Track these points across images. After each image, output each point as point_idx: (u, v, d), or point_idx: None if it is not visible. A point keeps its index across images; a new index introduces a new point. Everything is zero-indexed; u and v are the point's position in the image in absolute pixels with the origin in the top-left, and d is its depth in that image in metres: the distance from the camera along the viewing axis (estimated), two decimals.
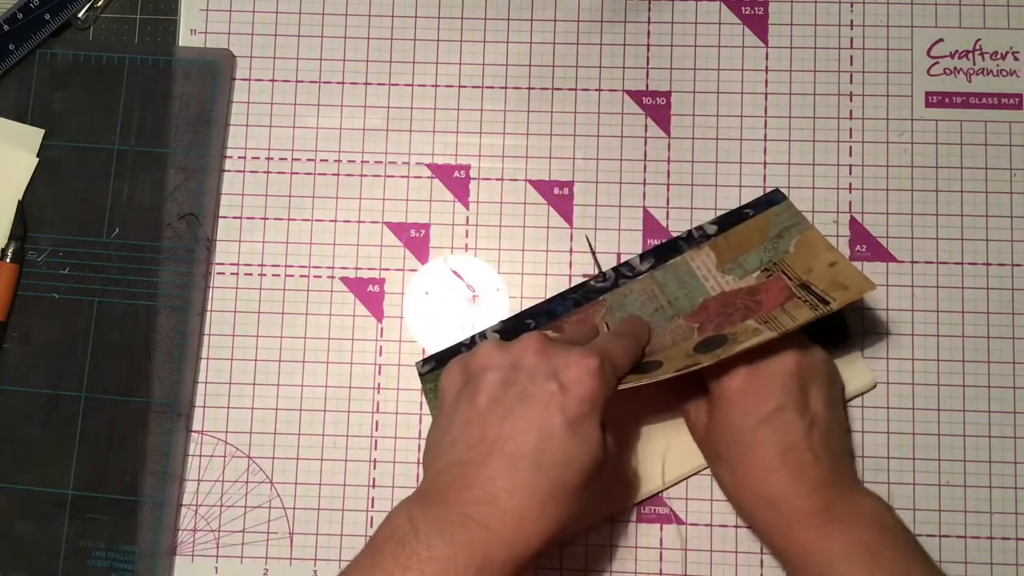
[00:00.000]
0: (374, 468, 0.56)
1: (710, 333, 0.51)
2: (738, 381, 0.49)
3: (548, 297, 0.56)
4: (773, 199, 0.56)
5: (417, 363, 0.56)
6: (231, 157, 0.59)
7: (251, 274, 0.58)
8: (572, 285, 0.56)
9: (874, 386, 0.55)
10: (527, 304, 0.57)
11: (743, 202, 0.57)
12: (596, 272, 0.57)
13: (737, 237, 0.55)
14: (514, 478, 0.43)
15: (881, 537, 0.47)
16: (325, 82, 0.59)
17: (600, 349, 0.47)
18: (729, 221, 0.56)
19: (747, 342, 0.48)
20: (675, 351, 0.51)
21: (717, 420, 0.50)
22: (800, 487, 0.48)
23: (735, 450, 0.49)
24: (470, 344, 0.55)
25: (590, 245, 0.57)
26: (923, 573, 0.47)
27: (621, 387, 0.48)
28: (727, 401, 0.50)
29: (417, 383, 0.56)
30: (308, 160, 0.59)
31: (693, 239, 0.56)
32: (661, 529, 0.55)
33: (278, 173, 0.59)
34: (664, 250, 0.56)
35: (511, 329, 0.56)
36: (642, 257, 0.56)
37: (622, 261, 0.57)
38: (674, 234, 0.57)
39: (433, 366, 0.56)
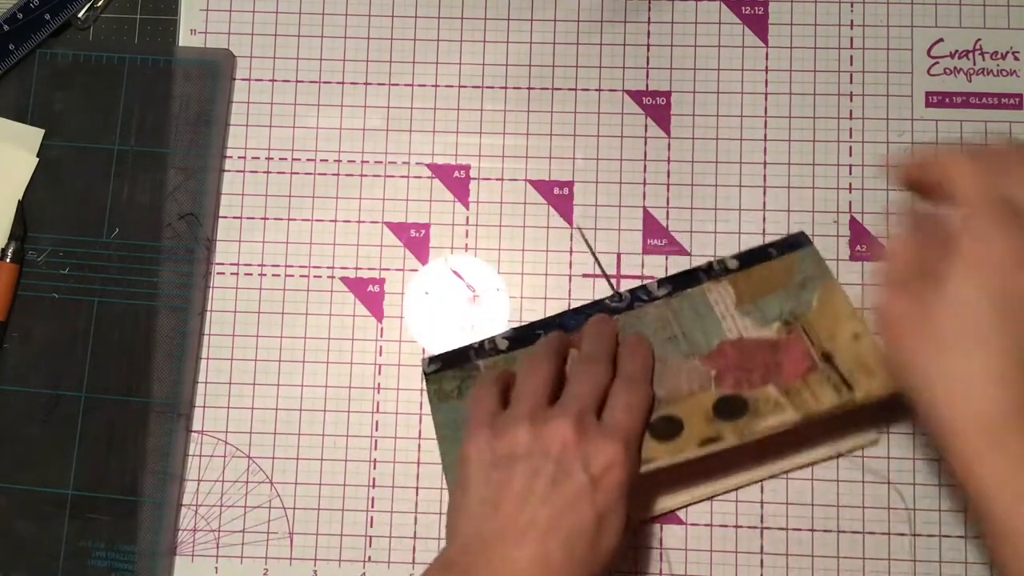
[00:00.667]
0: (374, 468, 0.56)
1: (728, 390, 0.51)
2: (998, 246, 0.40)
3: (561, 311, 0.56)
4: (797, 242, 0.55)
5: (423, 360, 0.56)
6: (231, 157, 0.59)
7: (251, 274, 0.58)
8: (588, 302, 0.56)
9: (876, 442, 0.55)
10: (527, 304, 0.57)
11: (743, 203, 0.57)
12: (596, 267, 0.57)
13: (758, 276, 0.54)
14: (548, 565, 0.44)
15: None
16: (325, 82, 0.59)
17: (624, 431, 0.47)
18: (751, 259, 0.55)
19: (769, 419, 0.50)
20: (694, 405, 0.51)
21: (950, 293, 0.40)
22: None
23: (965, 338, 0.40)
24: (479, 348, 0.55)
25: (584, 239, 0.57)
26: None
27: (645, 469, 0.49)
28: (978, 267, 0.40)
29: (418, 383, 0.56)
30: (308, 160, 0.59)
31: (713, 271, 0.55)
32: (661, 529, 0.55)
33: (278, 173, 0.59)
34: (683, 279, 0.55)
35: (522, 339, 0.55)
36: (660, 283, 0.55)
37: (640, 285, 0.56)
38: (691, 263, 0.56)
39: (440, 366, 0.55)
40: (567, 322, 0.55)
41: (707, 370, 0.52)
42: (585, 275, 0.57)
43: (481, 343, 0.55)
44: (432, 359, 0.56)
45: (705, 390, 0.51)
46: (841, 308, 0.52)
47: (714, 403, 0.51)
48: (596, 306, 0.56)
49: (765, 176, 0.58)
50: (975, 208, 0.41)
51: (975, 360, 0.40)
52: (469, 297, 0.57)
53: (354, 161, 0.59)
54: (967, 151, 0.43)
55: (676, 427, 0.50)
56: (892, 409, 0.52)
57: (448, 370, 0.55)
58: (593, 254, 0.57)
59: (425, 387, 0.56)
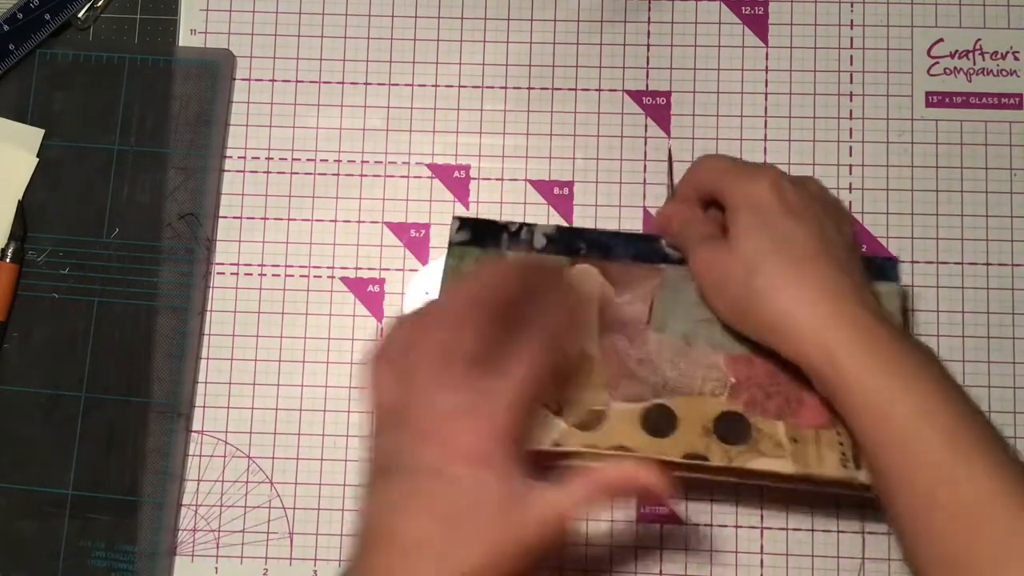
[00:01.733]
0: None
1: (738, 407, 0.48)
2: (766, 180, 0.48)
3: (611, 230, 0.53)
4: (886, 271, 0.51)
5: (453, 220, 0.53)
6: (231, 157, 0.59)
7: (251, 274, 0.58)
8: (643, 233, 0.53)
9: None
10: None
11: None
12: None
13: None
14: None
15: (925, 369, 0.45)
16: (325, 82, 0.59)
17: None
18: None
19: (763, 460, 0.47)
20: (697, 408, 0.48)
21: (744, 227, 0.48)
22: (845, 281, 0.46)
23: (769, 251, 0.47)
24: (515, 234, 0.52)
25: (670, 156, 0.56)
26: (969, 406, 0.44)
27: (615, 454, 0.47)
28: (754, 207, 0.48)
29: None
30: (308, 160, 0.59)
31: None
32: (661, 529, 0.55)
33: (278, 173, 0.59)
34: None
35: (563, 242, 0.52)
36: None
37: None
38: None
39: (468, 238, 0.52)
40: (614, 247, 0.52)
41: (727, 375, 0.49)
42: None
43: (519, 228, 0.52)
44: (463, 223, 0.53)
45: (716, 396, 0.48)
46: None
47: (717, 415, 0.48)
48: (648, 241, 0.52)
49: None
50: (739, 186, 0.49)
51: (784, 274, 0.46)
52: None
53: (354, 161, 0.59)
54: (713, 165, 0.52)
55: (669, 424, 0.48)
56: None
57: (474, 247, 0.52)
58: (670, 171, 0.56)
59: (445, 255, 0.53)
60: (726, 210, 0.49)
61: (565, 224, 0.52)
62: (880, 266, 0.51)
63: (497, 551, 0.41)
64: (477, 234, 0.52)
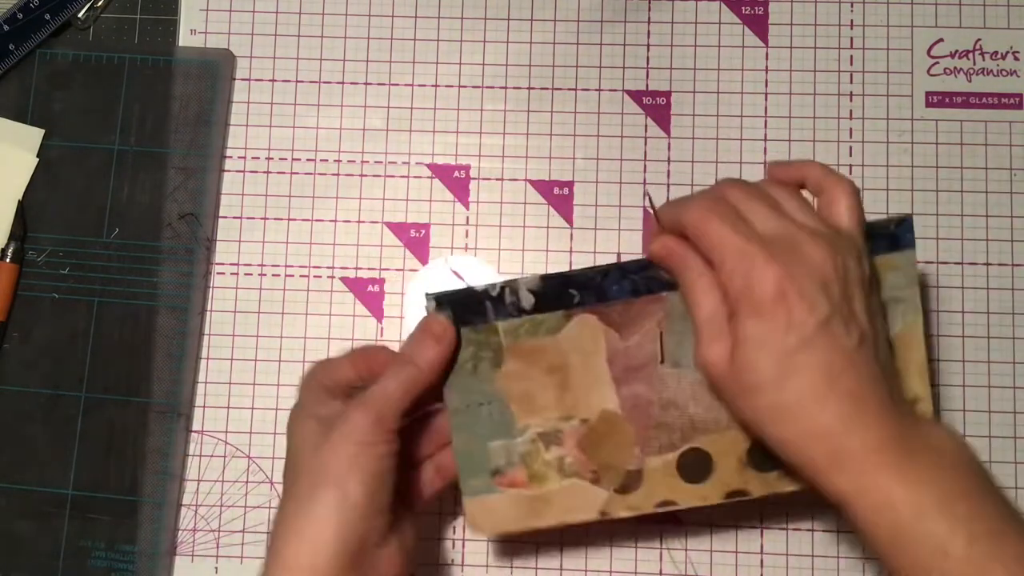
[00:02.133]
0: None
1: None
2: (770, 287, 0.41)
3: (601, 265, 0.47)
4: (900, 239, 0.46)
5: (427, 295, 0.47)
6: (231, 157, 0.59)
7: (251, 274, 0.58)
8: (636, 260, 0.47)
9: None
10: None
11: None
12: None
13: None
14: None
15: (964, 480, 0.41)
16: (325, 82, 0.59)
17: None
18: None
19: (796, 482, 0.46)
20: (729, 444, 0.46)
21: (747, 342, 0.42)
22: (858, 418, 0.41)
23: (772, 378, 0.41)
24: (498, 299, 0.46)
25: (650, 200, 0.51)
26: (1019, 525, 0.40)
27: (663, 509, 0.46)
28: (760, 316, 0.41)
29: None
30: (308, 160, 0.59)
31: None
32: (661, 529, 0.55)
33: (278, 173, 0.59)
34: None
35: (552, 295, 0.47)
36: None
37: None
38: None
39: (446, 313, 0.47)
40: (609, 289, 0.47)
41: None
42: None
43: (501, 291, 0.47)
44: (439, 302, 0.47)
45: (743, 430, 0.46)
46: (914, 358, 0.46)
47: (750, 447, 0.46)
48: (645, 271, 0.47)
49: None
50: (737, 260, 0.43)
51: (797, 388, 0.41)
52: None
53: (354, 161, 0.59)
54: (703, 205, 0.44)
55: (705, 467, 0.47)
56: None
57: (460, 327, 0.47)
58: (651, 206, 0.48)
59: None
60: (727, 291, 0.43)
61: (545, 273, 0.47)
62: (893, 235, 0.46)
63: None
64: (458, 311, 0.47)
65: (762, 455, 0.46)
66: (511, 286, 0.47)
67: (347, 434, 0.43)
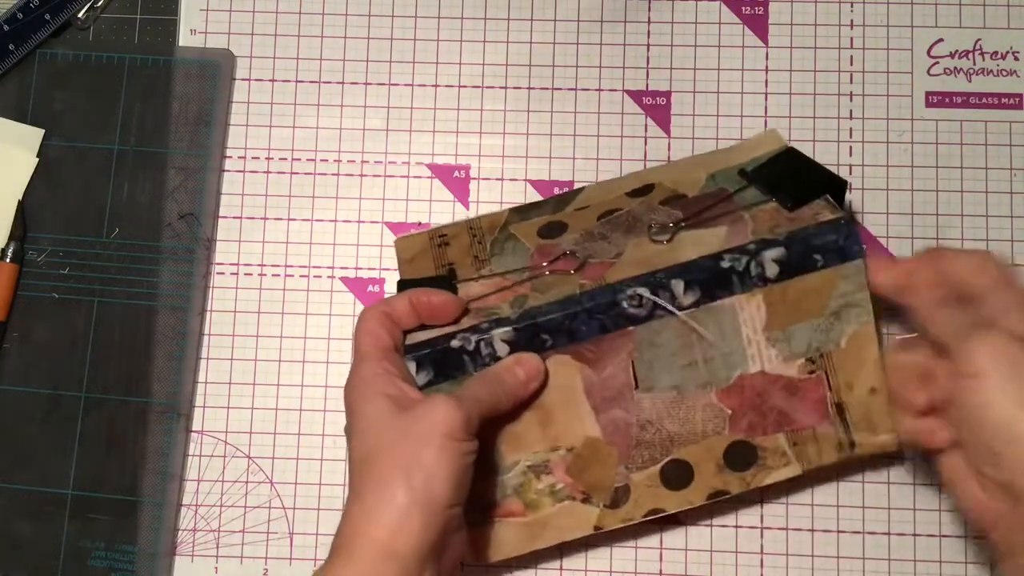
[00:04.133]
0: None
1: (741, 434, 0.50)
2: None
3: (568, 310, 0.49)
4: (848, 252, 0.49)
5: (405, 356, 0.49)
6: (231, 157, 0.59)
7: (251, 274, 0.58)
8: (602, 301, 0.48)
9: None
10: None
11: None
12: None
13: (795, 295, 0.49)
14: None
15: None
16: (325, 82, 0.59)
17: None
18: (794, 265, 0.49)
19: (775, 473, 0.50)
20: (706, 450, 0.50)
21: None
22: None
23: None
24: (474, 353, 0.49)
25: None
26: None
27: (650, 517, 0.50)
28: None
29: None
30: (308, 160, 0.59)
31: (749, 278, 0.49)
32: (661, 529, 0.55)
33: (278, 173, 0.59)
34: (712, 282, 0.49)
35: (524, 342, 0.49)
36: (687, 285, 0.48)
37: (666, 283, 0.48)
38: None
39: (430, 377, 0.49)
40: (578, 328, 0.49)
41: (723, 409, 0.50)
42: None
43: (476, 345, 0.49)
44: (419, 362, 0.49)
45: (719, 433, 0.50)
46: (869, 353, 0.49)
47: (725, 449, 0.50)
48: (612, 309, 0.48)
49: None
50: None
51: None
52: None
53: (354, 161, 0.59)
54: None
55: (687, 474, 0.50)
56: None
57: (442, 382, 0.49)
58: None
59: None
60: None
61: (519, 323, 0.49)
62: (841, 249, 0.49)
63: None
64: (438, 368, 0.49)
65: (737, 457, 0.50)
66: (485, 339, 0.49)
67: (436, 426, 0.44)
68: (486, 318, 0.49)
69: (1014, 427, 0.42)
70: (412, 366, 0.49)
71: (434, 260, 0.54)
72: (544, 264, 0.51)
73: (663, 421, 0.50)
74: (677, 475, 0.50)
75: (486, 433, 0.48)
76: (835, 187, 0.52)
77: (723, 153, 0.56)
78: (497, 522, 0.51)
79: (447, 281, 0.52)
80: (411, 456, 0.43)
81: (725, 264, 0.49)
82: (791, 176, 0.52)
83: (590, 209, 0.54)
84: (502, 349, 0.49)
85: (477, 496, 0.48)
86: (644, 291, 0.49)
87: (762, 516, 0.55)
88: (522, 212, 0.56)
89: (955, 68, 0.58)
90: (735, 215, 0.51)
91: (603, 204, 0.54)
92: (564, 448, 0.50)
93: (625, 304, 0.49)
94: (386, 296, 0.57)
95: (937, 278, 0.47)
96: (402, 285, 0.52)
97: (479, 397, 0.46)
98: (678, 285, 0.49)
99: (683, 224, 0.51)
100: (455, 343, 0.49)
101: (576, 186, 0.58)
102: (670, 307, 0.49)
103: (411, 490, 0.42)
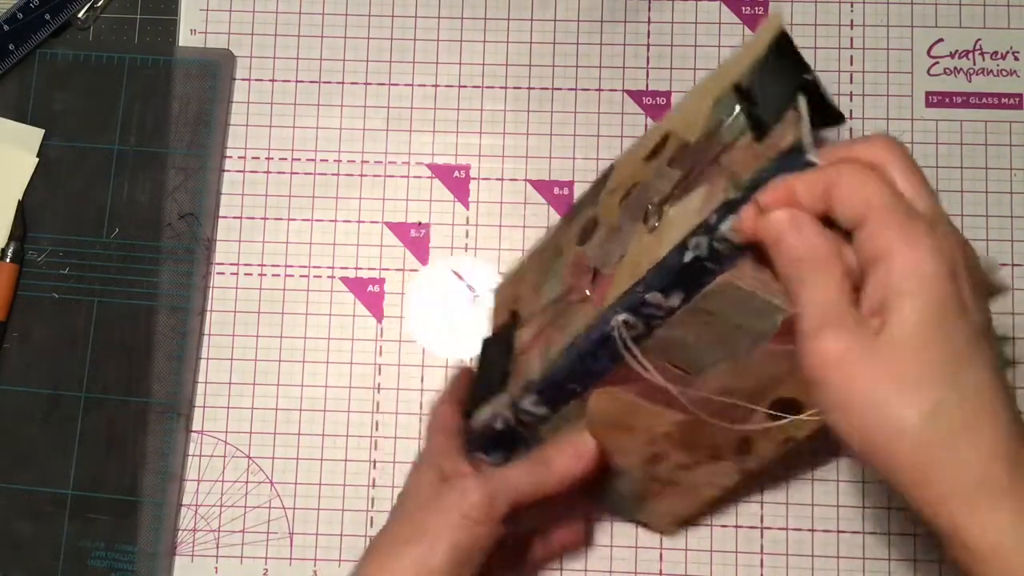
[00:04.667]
0: (374, 468, 0.56)
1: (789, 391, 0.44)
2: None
3: (572, 358, 0.45)
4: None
5: (469, 452, 0.49)
6: (231, 157, 0.59)
7: (251, 274, 0.58)
8: (597, 336, 0.44)
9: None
10: None
11: None
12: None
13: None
14: None
15: None
16: (325, 82, 0.59)
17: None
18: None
19: (811, 422, 0.44)
20: (795, 384, 0.44)
21: (924, 344, 0.33)
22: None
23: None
24: (521, 424, 0.47)
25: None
26: None
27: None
28: (934, 302, 0.34)
29: (416, 384, 0.56)
30: (308, 160, 0.59)
31: (720, 258, 0.40)
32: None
33: (278, 173, 0.59)
34: (685, 277, 0.41)
35: (555, 398, 0.46)
36: (663, 292, 0.42)
37: (643, 299, 0.42)
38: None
39: (501, 457, 0.49)
40: (593, 367, 0.45)
41: (785, 349, 0.42)
42: None
43: (517, 417, 0.47)
44: (490, 453, 0.49)
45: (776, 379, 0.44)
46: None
47: (775, 400, 0.45)
48: (609, 342, 0.44)
49: None
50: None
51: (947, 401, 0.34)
52: (469, 297, 0.57)
53: (354, 161, 0.59)
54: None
55: (790, 408, 0.44)
56: None
57: (512, 456, 0.49)
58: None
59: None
60: (874, 272, 0.35)
61: (537, 383, 0.46)
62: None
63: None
64: (502, 448, 0.49)
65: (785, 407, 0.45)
66: (517, 415, 0.47)
67: (456, 502, 0.45)
68: (521, 383, 0.48)
69: None
70: (478, 456, 0.49)
71: (506, 300, 0.54)
72: (568, 293, 0.49)
73: (737, 382, 0.44)
74: (787, 409, 0.44)
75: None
76: (811, 88, 0.40)
77: (733, 60, 0.45)
78: (652, 500, 0.52)
79: (506, 339, 0.50)
80: (423, 522, 0.45)
81: (688, 257, 0.40)
82: (763, 86, 0.41)
83: (616, 192, 0.50)
84: (540, 410, 0.47)
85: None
86: (628, 317, 0.43)
87: (762, 516, 0.55)
88: (575, 210, 0.53)
89: (955, 68, 0.58)
90: (715, 163, 0.42)
91: (625, 180, 0.49)
92: (659, 434, 0.47)
93: (616, 335, 0.44)
94: (386, 296, 0.57)
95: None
96: (486, 344, 0.53)
97: (515, 483, 0.46)
98: (656, 297, 0.42)
99: (668, 199, 0.44)
100: (498, 425, 0.48)
101: (576, 186, 0.58)
102: (632, 348, 0.44)
103: (411, 556, 0.44)
